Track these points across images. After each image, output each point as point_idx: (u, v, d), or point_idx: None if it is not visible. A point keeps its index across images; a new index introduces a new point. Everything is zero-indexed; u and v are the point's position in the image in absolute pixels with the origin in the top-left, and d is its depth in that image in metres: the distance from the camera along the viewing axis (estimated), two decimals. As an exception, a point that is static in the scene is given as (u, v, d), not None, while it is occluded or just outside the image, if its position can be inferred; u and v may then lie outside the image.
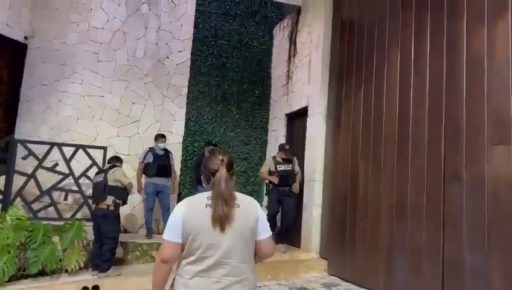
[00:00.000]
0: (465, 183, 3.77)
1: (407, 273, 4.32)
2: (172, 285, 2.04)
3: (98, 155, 6.46)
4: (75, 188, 6.42)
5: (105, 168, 5.72)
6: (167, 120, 7.74)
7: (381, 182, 4.96)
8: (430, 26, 4.45)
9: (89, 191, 6.35)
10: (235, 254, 1.94)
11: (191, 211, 1.98)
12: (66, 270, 5.34)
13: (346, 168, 5.72)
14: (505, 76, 3.50)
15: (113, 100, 7.37)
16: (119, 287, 5.06)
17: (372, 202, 5.11)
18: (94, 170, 6.38)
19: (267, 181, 6.52)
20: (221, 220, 1.93)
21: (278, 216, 6.55)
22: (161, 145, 6.69)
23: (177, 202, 7.32)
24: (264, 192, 6.80)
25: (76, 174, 6.39)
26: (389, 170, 4.81)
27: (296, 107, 7.30)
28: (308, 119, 6.70)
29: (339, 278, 5.50)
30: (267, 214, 5.67)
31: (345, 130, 5.87)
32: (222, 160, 2.05)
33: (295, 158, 6.59)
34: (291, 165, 6.44)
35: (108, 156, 6.21)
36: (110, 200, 5.33)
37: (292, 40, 7.80)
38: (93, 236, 5.51)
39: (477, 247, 3.57)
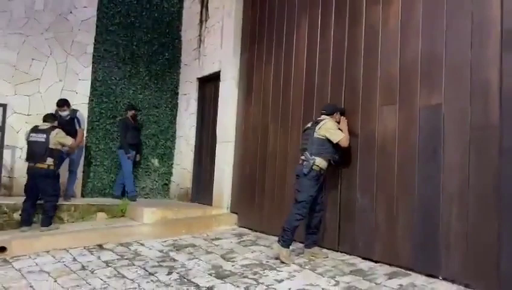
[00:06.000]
0: (359, 139, 4.43)
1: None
2: None
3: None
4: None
5: (44, 127, 5.56)
6: (71, 79, 7.34)
7: (289, 142, 5.49)
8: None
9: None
10: None
11: None
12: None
13: (257, 130, 6.16)
14: (394, 46, 4.16)
15: (8, 55, 6.75)
16: (29, 248, 4.90)
17: (280, 160, 5.64)
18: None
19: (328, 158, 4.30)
20: None
21: None
22: (62, 113, 6.35)
23: (84, 163, 7.16)
24: (306, 171, 4.21)
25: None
26: (296, 130, 5.33)
27: (208, 72, 7.48)
28: (220, 83, 6.95)
29: (248, 229, 6.01)
30: (304, 200, 4.18)
31: (256, 93, 6.27)
32: None
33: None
34: None
35: (8, 115, 5.79)
36: (49, 160, 5.43)
37: (204, 5, 7.87)
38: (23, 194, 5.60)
39: (367, 191, 4.28)
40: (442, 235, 3.57)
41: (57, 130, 5.59)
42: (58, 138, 5.54)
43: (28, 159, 5.54)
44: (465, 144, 3.47)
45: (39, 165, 5.40)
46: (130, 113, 7.43)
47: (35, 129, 5.55)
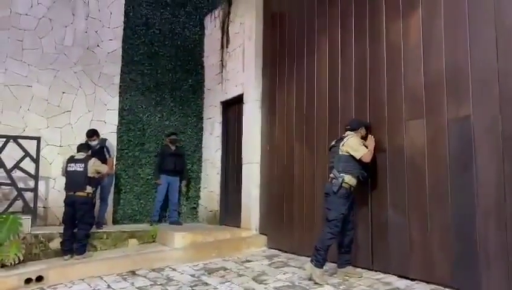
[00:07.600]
0: (387, 155, 4.38)
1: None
2: None
3: (27, 146, 6.22)
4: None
5: (81, 157, 5.79)
6: (100, 110, 7.58)
7: (315, 160, 5.48)
8: (354, 19, 5.01)
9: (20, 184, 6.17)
10: None
11: None
12: (3, 265, 5.12)
13: (282, 150, 6.18)
14: (417, 60, 4.14)
15: (41, 90, 7.05)
16: (64, 276, 5.00)
17: (307, 178, 5.62)
18: (27, 161, 6.17)
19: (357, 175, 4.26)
20: None
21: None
22: (92, 143, 6.52)
23: (115, 190, 7.32)
24: (335, 189, 4.17)
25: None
26: (322, 148, 5.32)
27: (231, 95, 7.60)
28: (244, 106, 7.04)
29: (278, 250, 5.96)
30: (335, 219, 4.13)
31: (280, 114, 6.32)
32: None
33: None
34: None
35: (41, 147, 6.15)
36: (89, 188, 5.66)
37: (224, 31, 8.06)
38: (62, 223, 5.83)
39: (398, 206, 4.20)
40: (481, 249, 3.45)
41: (93, 159, 5.81)
42: (96, 166, 5.76)
43: (66, 188, 5.71)
44: (498, 155, 3.38)
45: (79, 193, 5.59)
46: (167, 139, 7.68)
47: (72, 159, 5.76)
